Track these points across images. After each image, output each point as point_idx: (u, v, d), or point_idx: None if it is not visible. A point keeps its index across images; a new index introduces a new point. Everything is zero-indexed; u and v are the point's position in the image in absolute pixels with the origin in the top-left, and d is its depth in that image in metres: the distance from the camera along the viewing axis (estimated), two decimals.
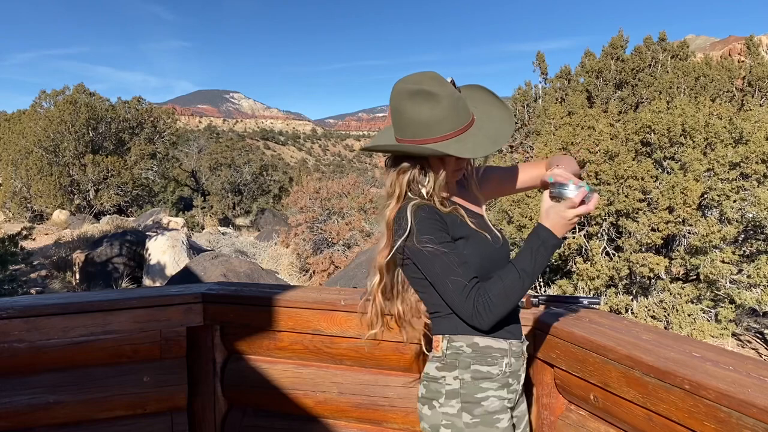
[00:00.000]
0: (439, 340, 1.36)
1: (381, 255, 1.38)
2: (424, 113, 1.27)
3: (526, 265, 1.26)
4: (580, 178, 1.34)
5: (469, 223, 1.35)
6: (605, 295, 7.67)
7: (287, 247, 12.32)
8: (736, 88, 12.46)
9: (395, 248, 1.33)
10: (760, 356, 6.98)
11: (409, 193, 1.35)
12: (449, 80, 1.32)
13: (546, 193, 1.30)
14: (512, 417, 1.38)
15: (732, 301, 6.93)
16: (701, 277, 7.10)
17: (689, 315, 7.10)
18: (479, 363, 1.32)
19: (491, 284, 1.27)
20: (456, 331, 1.34)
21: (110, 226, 13.00)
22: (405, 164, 1.34)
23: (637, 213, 7.34)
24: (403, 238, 1.29)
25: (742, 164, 7.05)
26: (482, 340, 1.33)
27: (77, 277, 9.58)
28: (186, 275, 7.85)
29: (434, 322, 1.39)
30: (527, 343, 1.45)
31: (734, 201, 7.04)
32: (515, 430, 1.42)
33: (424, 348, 1.47)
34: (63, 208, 16.59)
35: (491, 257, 1.36)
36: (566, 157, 1.51)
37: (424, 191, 1.35)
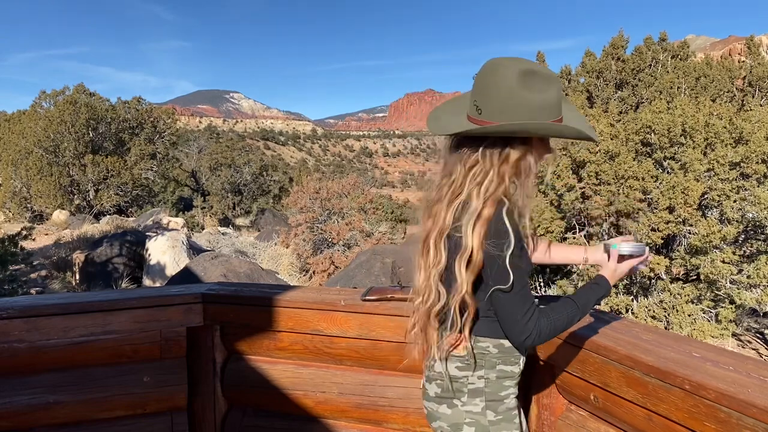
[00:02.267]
0: (462, 340, 1.33)
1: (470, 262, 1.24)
2: (538, 96, 1.20)
3: (586, 309, 1.32)
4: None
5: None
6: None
7: (287, 247, 12.31)
8: (736, 88, 12.47)
9: (490, 258, 1.22)
10: (761, 356, 6.98)
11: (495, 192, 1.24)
12: None
13: (615, 255, 1.40)
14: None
15: (732, 302, 6.93)
16: (701, 277, 7.10)
17: (689, 315, 7.09)
18: (504, 363, 1.34)
19: (554, 311, 1.28)
20: (482, 332, 1.32)
21: (110, 226, 12.99)
22: (515, 151, 1.23)
23: (637, 213, 7.34)
24: (508, 252, 1.20)
25: (742, 164, 7.05)
26: (507, 341, 1.32)
27: (77, 277, 9.57)
28: (186, 275, 7.85)
29: (464, 320, 1.34)
30: None
31: (734, 201, 7.04)
32: None
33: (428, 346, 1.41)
34: (63, 209, 16.57)
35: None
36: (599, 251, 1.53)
37: (513, 188, 1.26)
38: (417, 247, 1.38)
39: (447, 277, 1.31)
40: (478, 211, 1.22)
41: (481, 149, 1.25)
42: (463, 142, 1.29)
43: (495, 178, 1.23)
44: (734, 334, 7.34)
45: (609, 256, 1.42)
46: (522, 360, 1.37)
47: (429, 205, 1.35)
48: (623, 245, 1.40)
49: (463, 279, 1.23)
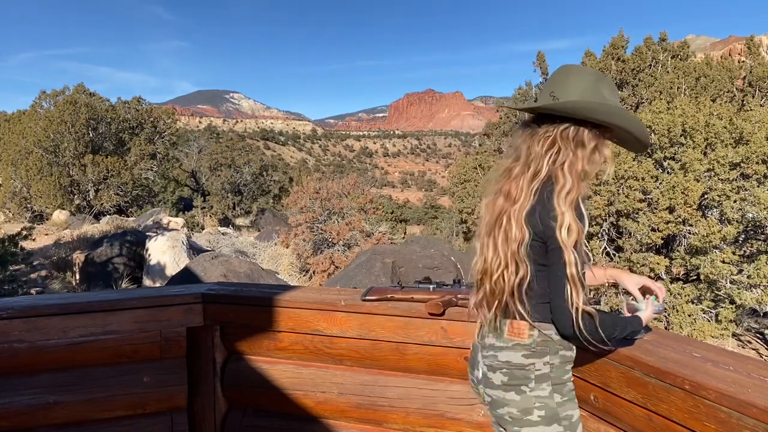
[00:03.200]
0: (525, 328, 1.37)
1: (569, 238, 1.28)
2: (612, 97, 1.35)
3: (622, 333, 1.38)
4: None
5: None
6: (605, 296, 7.67)
7: (287, 247, 12.30)
8: (736, 89, 12.47)
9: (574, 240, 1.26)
10: (761, 356, 6.97)
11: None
12: None
13: (656, 309, 1.49)
14: None
15: (732, 302, 6.93)
16: (701, 277, 7.09)
17: (689, 315, 7.09)
18: (565, 348, 1.39)
19: (607, 315, 1.34)
20: (547, 318, 1.36)
21: (110, 226, 12.98)
22: (589, 138, 1.34)
23: (637, 213, 7.34)
24: (582, 235, 1.28)
25: (742, 164, 7.05)
26: None
27: (77, 277, 9.56)
28: (186, 275, 7.84)
29: (532, 307, 1.38)
30: None
31: (734, 201, 7.04)
32: None
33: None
34: (63, 209, 16.56)
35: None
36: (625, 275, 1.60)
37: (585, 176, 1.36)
38: (484, 227, 1.43)
39: (529, 253, 1.33)
40: (569, 187, 1.29)
41: (558, 131, 1.34)
42: (537, 124, 1.38)
43: (576, 161, 1.32)
44: (734, 334, 7.33)
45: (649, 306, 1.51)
46: (574, 345, 1.42)
47: (500, 186, 1.41)
48: (660, 303, 1.51)
49: (569, 247, 1.25)
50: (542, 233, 1.30)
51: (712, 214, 7.33)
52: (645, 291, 1.53)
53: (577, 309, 1.27)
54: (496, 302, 1.39)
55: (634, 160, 7.47)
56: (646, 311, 1.47)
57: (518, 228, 1.32)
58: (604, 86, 1.34)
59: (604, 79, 1.35)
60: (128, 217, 17.09)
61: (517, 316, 1.37)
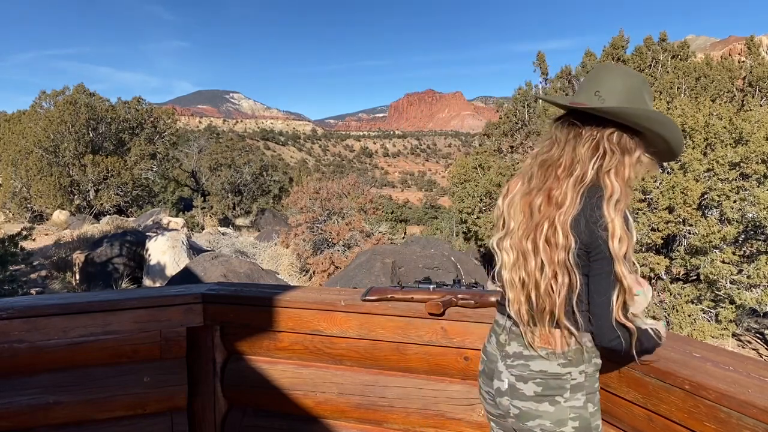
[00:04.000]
0: (559, 336, 1.32)
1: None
2: (650, 104, 1.32)
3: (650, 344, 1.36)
4: None
5: None
6: None
7: (287, 248, 12.30)
8: (736, 89, 12.47)
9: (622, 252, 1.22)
10: (761, 356, 6.97)
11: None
12: None
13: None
14: None
15: (732, 302, 6.93)
16: (701, 277, 7.10)
17: (689, 315, 7.09)
18: (596, 356, 1.35)
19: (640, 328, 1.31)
20: (584, 327, 1.32)
21: (110, 226, 12.98)
22: (635, 146, 1.29)
23: (637, 213, 7.34)
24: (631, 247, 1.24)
25: (742, 164, 7.05)
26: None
27: (77, 277, 9.56)
28: (186, 275, 7.84)
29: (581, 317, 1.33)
30: None
31: (734, 201, 7.04)
32: None
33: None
34: (63, 209, 16.56)
35: None
36: None
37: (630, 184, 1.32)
38: (519, 228, 1.35)
39: (577, 262, 1.26)
40: (618, 195, 1.23)
41: (604, 135, 1.28)
42: (580, 126, 1.31)
43: (622, 167, 1.28)
44: (734, 334, 7.34)
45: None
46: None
47: (538, 184, 1.34)
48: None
49: (620, 258, 1.21)
50: (588, 242, 1.24)
51: (711, 214, 7.34)
52: None
53: (619, 322, 1.23)
54: (548, 316, 1.29)
55: None
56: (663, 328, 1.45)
57: (564, 235, 1.25)
58: (646, 92, 1.31)
59: (646, 85, 1.32)
60: (128, 217, 17.09)
61: (566, 330, 1.29)
